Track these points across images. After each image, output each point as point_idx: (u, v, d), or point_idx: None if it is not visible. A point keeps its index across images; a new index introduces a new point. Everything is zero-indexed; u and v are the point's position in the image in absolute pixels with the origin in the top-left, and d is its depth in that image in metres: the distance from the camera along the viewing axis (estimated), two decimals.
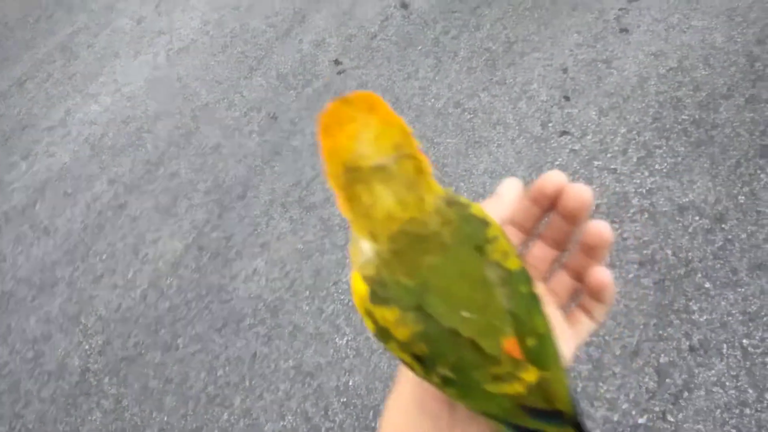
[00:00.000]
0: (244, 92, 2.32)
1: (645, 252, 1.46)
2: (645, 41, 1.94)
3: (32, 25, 3.04)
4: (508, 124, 1.89)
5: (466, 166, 1.82)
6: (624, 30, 2.01)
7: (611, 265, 1.46)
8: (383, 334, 0.29)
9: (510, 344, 0.28)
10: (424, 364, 0.29)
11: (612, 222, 1.53)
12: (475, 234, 0.29)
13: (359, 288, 0.29)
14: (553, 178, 0.34)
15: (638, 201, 1.56)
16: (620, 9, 2.07)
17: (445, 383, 0.30)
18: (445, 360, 0.29)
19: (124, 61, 2.64)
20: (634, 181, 1.61)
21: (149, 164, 2.18)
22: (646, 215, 1.53)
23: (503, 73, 2.05)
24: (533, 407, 0.30)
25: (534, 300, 0.30)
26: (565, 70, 1.96)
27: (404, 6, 2.42)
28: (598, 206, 1.57)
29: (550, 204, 0.35)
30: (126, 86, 2.51)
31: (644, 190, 1.58)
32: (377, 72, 2.23)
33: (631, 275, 1.43)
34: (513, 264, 0.29)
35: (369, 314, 0.29)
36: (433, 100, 2.05)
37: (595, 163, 1.69)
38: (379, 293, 0.28)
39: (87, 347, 1.76)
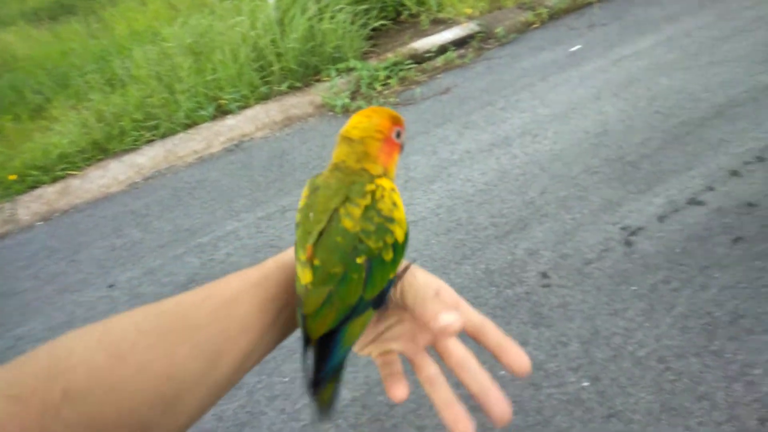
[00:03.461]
0: (452, 275, 2.53)
1: None
2: None
3: (278, 170, 3.83)
4: (717, 404, 1.71)
5: None
6: None
7: None
8: (304, 200, 0.52)
9: (309, 248, 0.47)
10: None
11: None
12: (351, 192, 0.49)
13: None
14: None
15: None
16: None
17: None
18: (297, 231, 0.50)
19: None
20: None
21: None
22: None
23: (722, 345, 1.90)
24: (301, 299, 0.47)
25: (345, 253, 0.46)
26: None
27: (628, 243, 2.46)
28: None
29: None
30: None
31: None
32: (582, 297, 2.25)
33: None
34: (347, 223, 0.47)
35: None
36: (635, 346, 1.98)
37: None
38: (313, 180, 0.52)
39: None
